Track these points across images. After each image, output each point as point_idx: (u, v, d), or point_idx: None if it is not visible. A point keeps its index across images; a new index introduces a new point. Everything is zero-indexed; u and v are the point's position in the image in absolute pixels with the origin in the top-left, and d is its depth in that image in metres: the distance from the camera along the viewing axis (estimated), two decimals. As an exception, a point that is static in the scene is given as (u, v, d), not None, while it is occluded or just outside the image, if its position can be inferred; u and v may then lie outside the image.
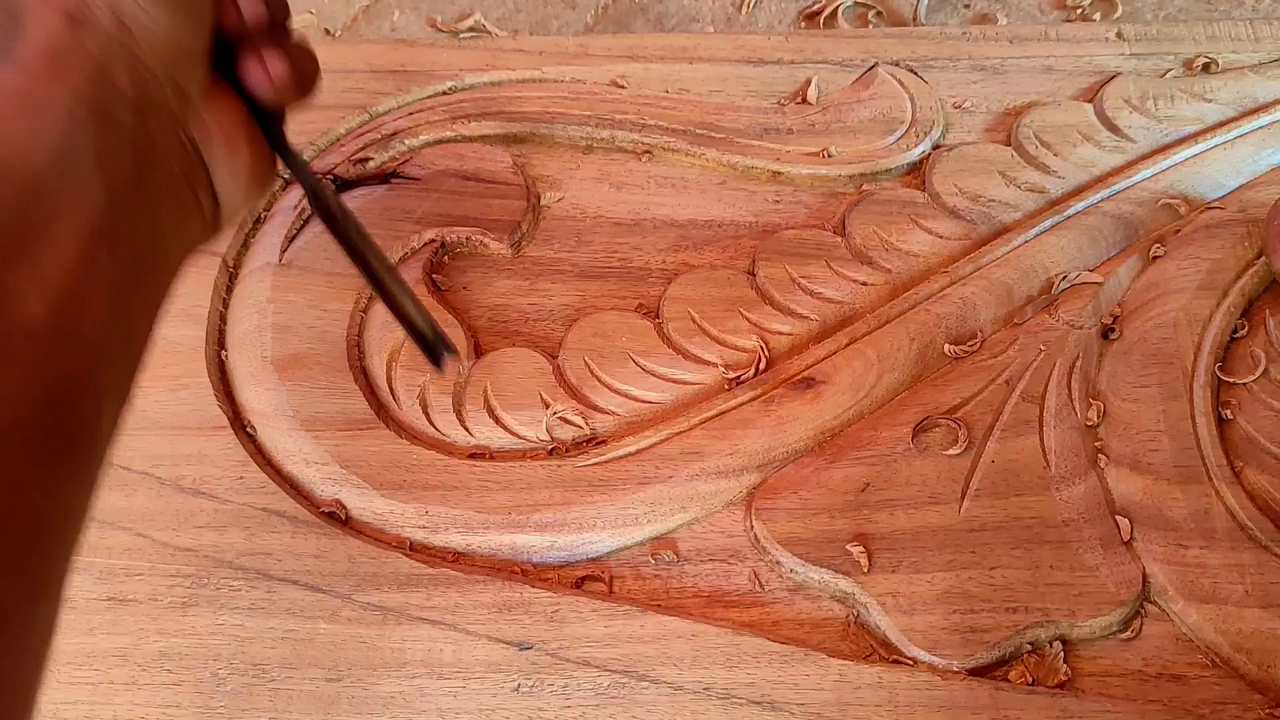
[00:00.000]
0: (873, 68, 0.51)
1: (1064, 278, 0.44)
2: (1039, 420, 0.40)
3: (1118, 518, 0.38)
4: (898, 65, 0.51)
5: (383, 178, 0.48)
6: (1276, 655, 0.35)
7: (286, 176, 0.49)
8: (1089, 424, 0.41)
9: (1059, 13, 0.57)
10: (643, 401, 0.42)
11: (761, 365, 0.43)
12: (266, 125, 0.34)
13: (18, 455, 0.22)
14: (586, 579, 0.39)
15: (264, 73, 0.32)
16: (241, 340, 0.44)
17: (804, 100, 0.51)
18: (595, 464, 0.40)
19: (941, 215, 0.47)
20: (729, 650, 0.36)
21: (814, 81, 0.51)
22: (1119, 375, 0.42)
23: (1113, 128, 0.49)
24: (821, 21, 0.57)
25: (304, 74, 0.34)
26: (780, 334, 0.44)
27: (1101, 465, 0.40)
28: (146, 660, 0.37)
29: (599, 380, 0.43)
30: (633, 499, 0.40)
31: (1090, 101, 0.50)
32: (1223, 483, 0.38)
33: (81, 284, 0.24)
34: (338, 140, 0.50)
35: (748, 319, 0.44)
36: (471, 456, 0.41)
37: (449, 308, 0.45)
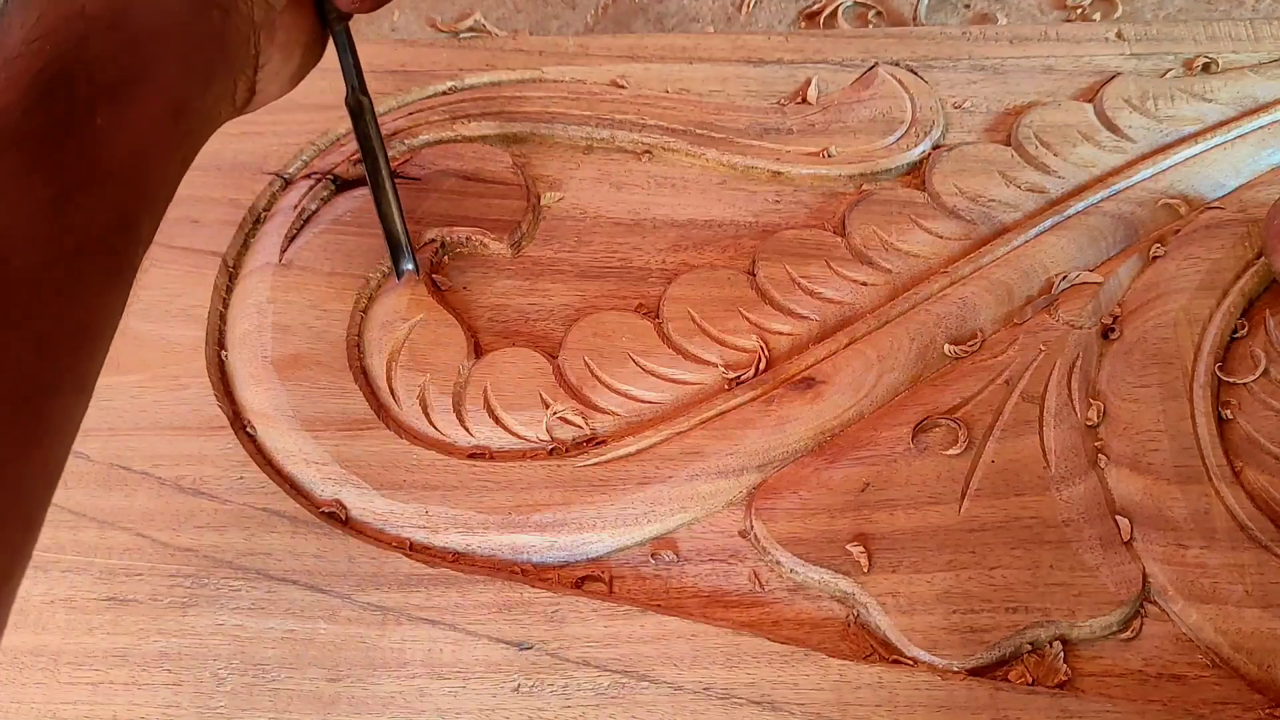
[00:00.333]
0: (873, 68, 0.51)
1: (1064, 278, 0.44)
2: (1039, 420, 0.40)
3: (1118, 518, 0.38)
4: (898, 65, 0.51)
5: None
6: (1276, 655, 0.35)
7: (287, 177, 0.49)
8: (1089, 424, 0.41)
9: (1059, 13, 0.57)
10: (643, 401, 0.42)
11: (761, 365, 0.43)
12: (335, 35, 0.39)
13: (89, 267, 0.27)
14: (586, 579, 0.39)
15: None
16: (241, 340, 0.44)
17: (804, 100, 0.51)
18: (595, 464, 0.40)
19: (941, 215, 0.47)
20: (729, 650, 0.36)
21: (814, 81, 0.51)
22: (1119, 375, 0.42)
23: (1113, 128, 0.49)
24: (821, 21, 0.57)
25: None
26: (780, 334, 0.44)
27: (1101, 465, 0.40)
28: (146, 660, 0.37)
29: (599, 380, 0.43)
30: (633, 499, 0.40)
31: (1090, 101, 0.50)
32: (1223, 483, 0.38)
33: (151, 142, 0.29)
34: (338, 140, 0.50)
35: (748, 319, 0.44)
36: (471, 456, 0.41)
37: (449, 308, 0.45)
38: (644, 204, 0.48)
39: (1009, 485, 0.39)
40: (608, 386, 0.42)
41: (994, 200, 0.47)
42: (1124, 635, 0.36)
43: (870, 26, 0.57)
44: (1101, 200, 0.46)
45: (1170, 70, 0.51)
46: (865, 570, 0.37)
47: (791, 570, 0.38)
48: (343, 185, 0.48)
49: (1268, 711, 0.34)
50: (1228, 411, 0.40)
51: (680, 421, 0.41)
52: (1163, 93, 0.50)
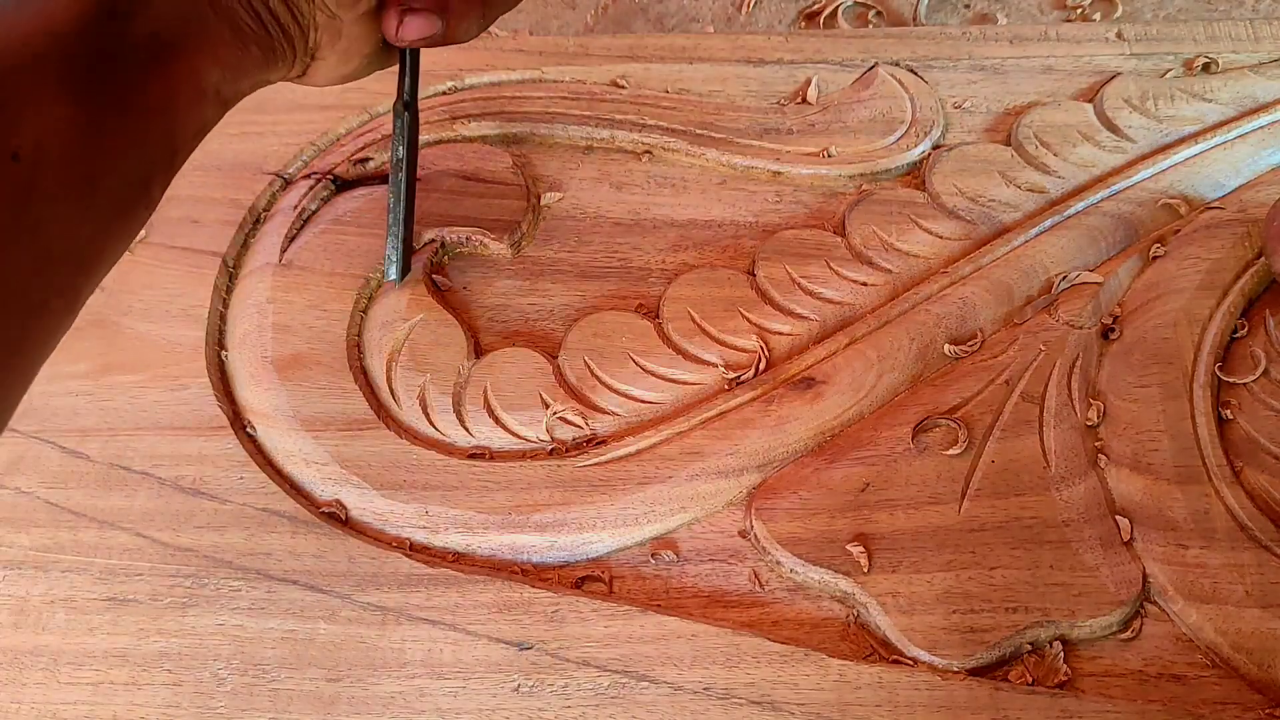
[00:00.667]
0: (873, 68, 0.51)
1: (1064, 278, 0.44)
2: (1039, 420, 0.40)
3: (1118, 518, 0.38)
4: (898, 65, 0.51)
5: (383, 178, 0.48)
6: (1276, 655, 0.35)
7: (287, 177, 0.49)
8: (1089, 424, 0.41)
9: (1059, 13, 0.57)
10: (643, 402, 0.42)
11: (761, 365, 0.43)
12: (403, 50, 0.40)
13: (107, 197, 0.28)
14: (586, 579, 0.39)
15: (392, 28, 0.37)
16: (242, 340, 0.44)
17: (804, 100, 0.51)
18: (595, 464, 0.40)
19: (941, 215, 0.47)
20: (729, 650, 0.36)
21: (814, 81, 0.51)
22: (1119, 375, 0.42)
23: (1113, 128, 0.49)
24: (821, 21, 0.57)
25: (445, 38, 0.37)
26: (780, 334, 0.44)
27: (1101, 465, 0.40)
28: (146, 660, 0.37)
29: (599, 380, 0.43)
30: (633, 499, 0.39)
31: (1090, 101, 0.50)
32: (1223, 483, 0.38)
33: (187, 97, 0.30)
34: (337, 140, 0.50)
35: (748, 319, 0.44)
36: (471, 456, 0.41)
37: (449, 308, 0.45)
38: (644, 204, 0.48)
39: (1009, 485, 0.39)
40: (608, 387, 0.42)
41: (994, 200, 0.47)
42: (1124, 635, 0.36)
43: (870, 26, 0.57)
44: (1101, 200, 0.46)
45: (1170, 70, 0.51)
46: (865, 570, 0.37)
47: (791, 570, 0.38)
48: (343, 185, 0.48)
49: (1268, 712, 0.34)
50: (1228, 411, 0.40)
51: (680, 422, 0.41)
52: (1163, 93, 0.50)
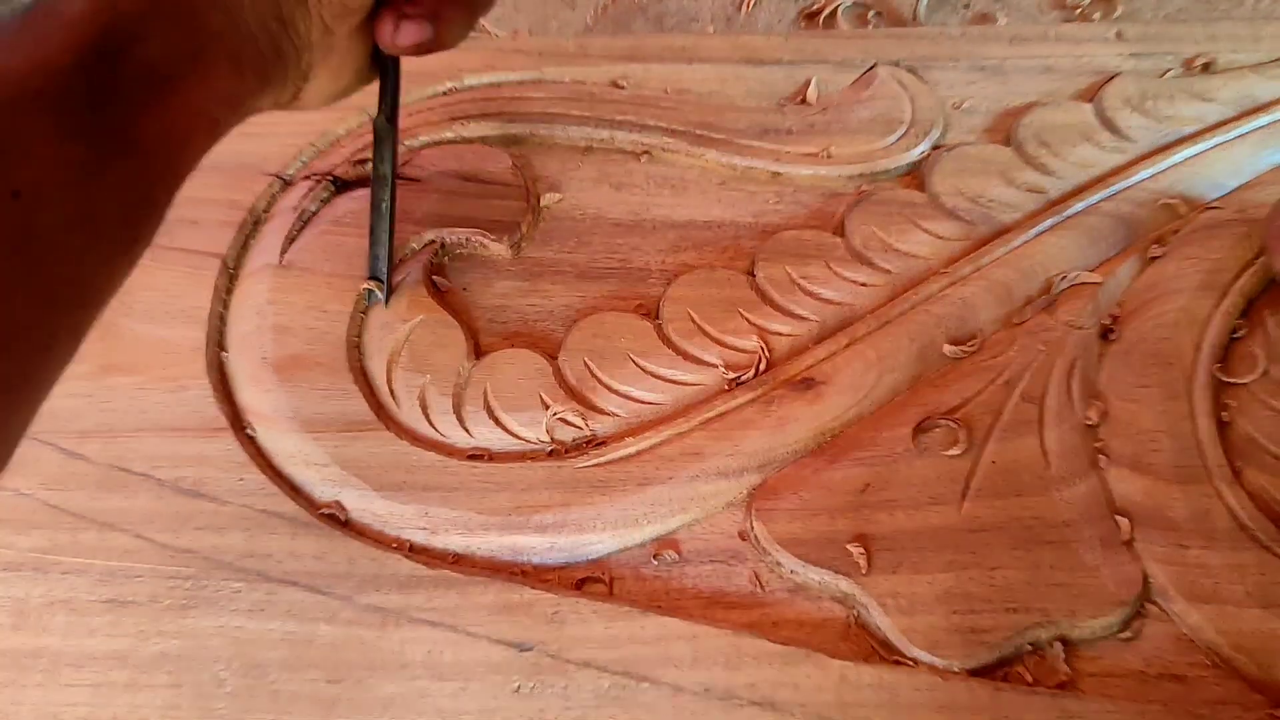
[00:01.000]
0: (872, 68, 0.51)
1: (1063, 278, 0.44)
2: (1039, 421, 0.40)
3: (1118, 518, 0.38)
4: (897, 65, 0.51)
5: (382, 179, 0.48)
6: (1277, 656, 0.35)
7: (287, 178, 0.49)
8: (1089, 424, 0.41)
9: (1059, 13, 0.57)
10: (643, 402, 0.42)
11: (761, 366, 0.43)
12: (382, 61, 0.40)
13: (107, 236, 0.28)
14: (587, 580, 0.39)
15: (388, 35, 0.37)
16: (241, 342, 0.44)
17: (804, 101, 0.51)
18: (595, 465, 0.40)
19: (941, 216, 0.47)
20: (729, 651, 0.36)
21: (813, 82, 0.51)
22: (1119, 375, 0.42)
23: (1112, 128, 0.49)
24: (821, 22, 0.57)
25: (435, 43, 0.38)
26: (780, 335, 0.44)
27: (1102, 465, 0.40)
28: (146, 662, 0.37)
29: (599, 381, 0.43)
30: (633, 500, 0.39)
31: (1090, 102, 0.50)
32: (1223, 483, 0.38)
33: (185, 129, 0.30)
34: (337, 141, 0.50)
35: (748, 320, 0.44)
36: (471, 458, 0.41)
37: (449, 309, 0.45)
38: (644, 205, 0.48)
39: (1009, 486, 0.39)
40: (608, 387, 0.42)
41: (993, 201, 0.47)
42: (1124, 635, 0.36)
43: (870, 27, 0.57)
44: (1101, 200, 0.46)
45: (1170, 70, 0.51)
46: (865, 571, 0.37)
47: (792, 571, 0.38)
48: (342, 186, 0.48)
49: (1268, 712, 0.34)
50: (1227, 412, 0.40)
51: (680, 422, 0.41)
52: (1162, 93, 0.50)
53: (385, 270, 0.44)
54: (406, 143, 0.49)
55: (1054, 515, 0.38)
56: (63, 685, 0.37)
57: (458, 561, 0.39)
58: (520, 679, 0.36)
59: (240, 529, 0.40)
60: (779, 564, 0.39)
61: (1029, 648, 0.36)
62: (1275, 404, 0.40)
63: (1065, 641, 0.36)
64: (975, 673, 0.36)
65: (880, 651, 0.37)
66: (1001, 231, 0.46)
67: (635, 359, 0.43)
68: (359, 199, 0.47)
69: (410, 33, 0.37)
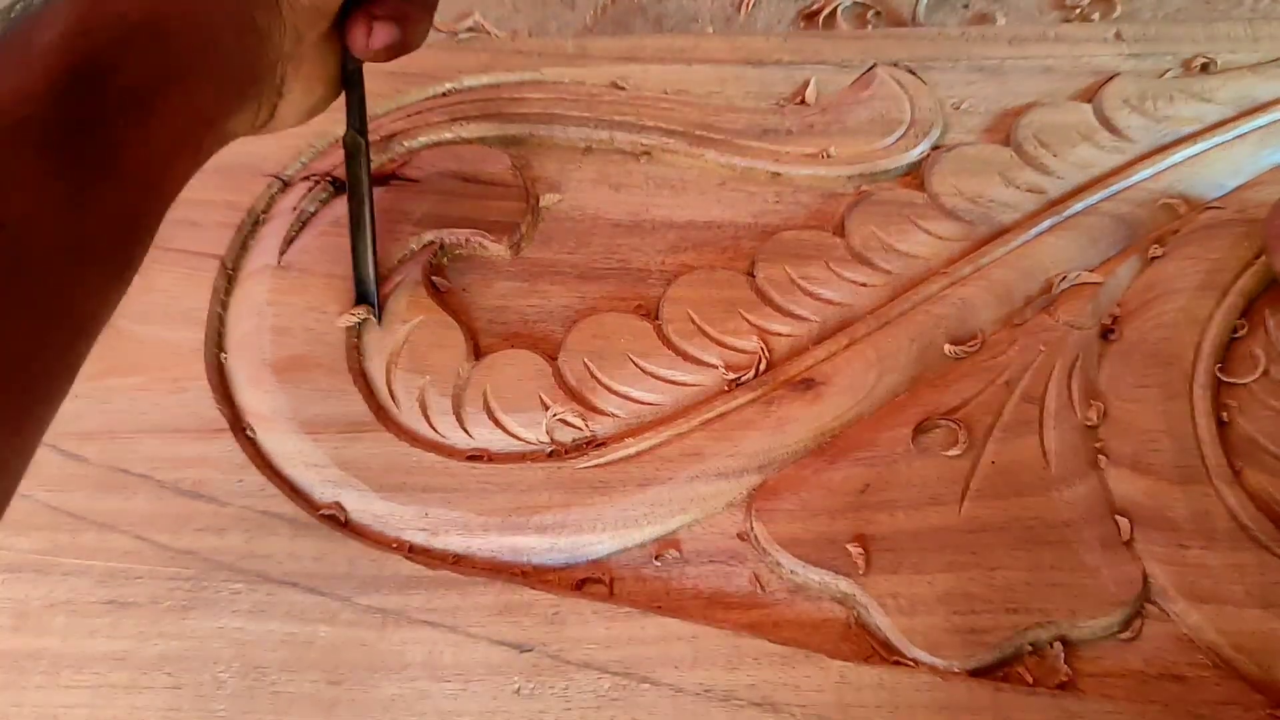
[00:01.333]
0: (871, 68, 0.51)
1: (1063, 278, 0.44)
2: (1039, 421, 0.40)
3: (1118, 518, 0.38)
4: (896, 66, 0.51)
5: (381, 180, 0.48)
6: (1277, 656, 0.35)
7: (285, 178, 0.49)
8: (1089, 424, 0.41)
9: (1058, 13, 0.57)
10: (643, 403, 0.42)
11: (761, 366, 0.43)
12: (348, 73, 0.40)
13: (96, 263, 0.28)
14: (587, 581, 0.39)
15: (363, 38, 0.37)
16: (241, 343, 0.44)
17: (803, 101, 0.51)
18: (595, 466, 0.40)
19: (940, 216, 0.47)
20: (729, 652, 0.36)
21: (813, 82, 0.51)
22: (1119, 376, 0.42)
23: (1112, 128, 0.49)
24: (820, 22, 0.57)
25: (403, 45, 0.38)
26: (780, 335, 0.44)
27: (1102, 466, 0.40)
28: (146, 663, 0.37)
29: (599, 382, 0.43)
30: (633, 501, 0.39)
31: (1089, 102, 0.50)
32: (1223, 483, 0.38)
33: (169, 151, 0.30)
34: (336, 141, 0.50)
35: (747, 320, 0.44)
36: (471, 458, 0.41)
37: (448, 309, 0.45)
38: (643, 205, 0.48)
39: (1009, 486, 0.39)
40: (607, 388, 0.42)
41: (993, 201, 0.47)
42: (1125, 636, 0.36)
43: (869, 27, 0.57)
44: (1101, 201, 0.46)
45: (1169, 70, 0.51)
46: (865, 571, 0.37)
47: (792, 571, 0.38)
48: (341, 187, 0.48)
49: (1269, 712, 0.34)
50: (1227, 412, 0.40)
51: (680, 423, 0.41)
52: (1162, 93, 0.50)
53: (374, 290, 0.44)
54: (406, 144, 0.49)
55: (1054, 515, 0.38)
56: (63, 687, 0.37)
57: (458, 562, 0.39)
58: (520, 680, 0.36)
59: (240, 530, 0.40)
60: (779, 564, 0.39)
61: (1029, 648, 0.36)
62: (1275, 404, 0.40)
63: (1065, 642, 0.36)
64: (975, 673, 0.36)
65: (880, 652, 0.37)
66: (1001, 231, 0.46)
67: (635, 360, 0.43)
68: (358, 200, 0.47)
69: (382, 35, 0.37)
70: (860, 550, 0.38)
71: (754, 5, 0.58)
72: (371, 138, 0.49)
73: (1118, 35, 0.52)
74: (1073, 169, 0.48)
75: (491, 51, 0.53)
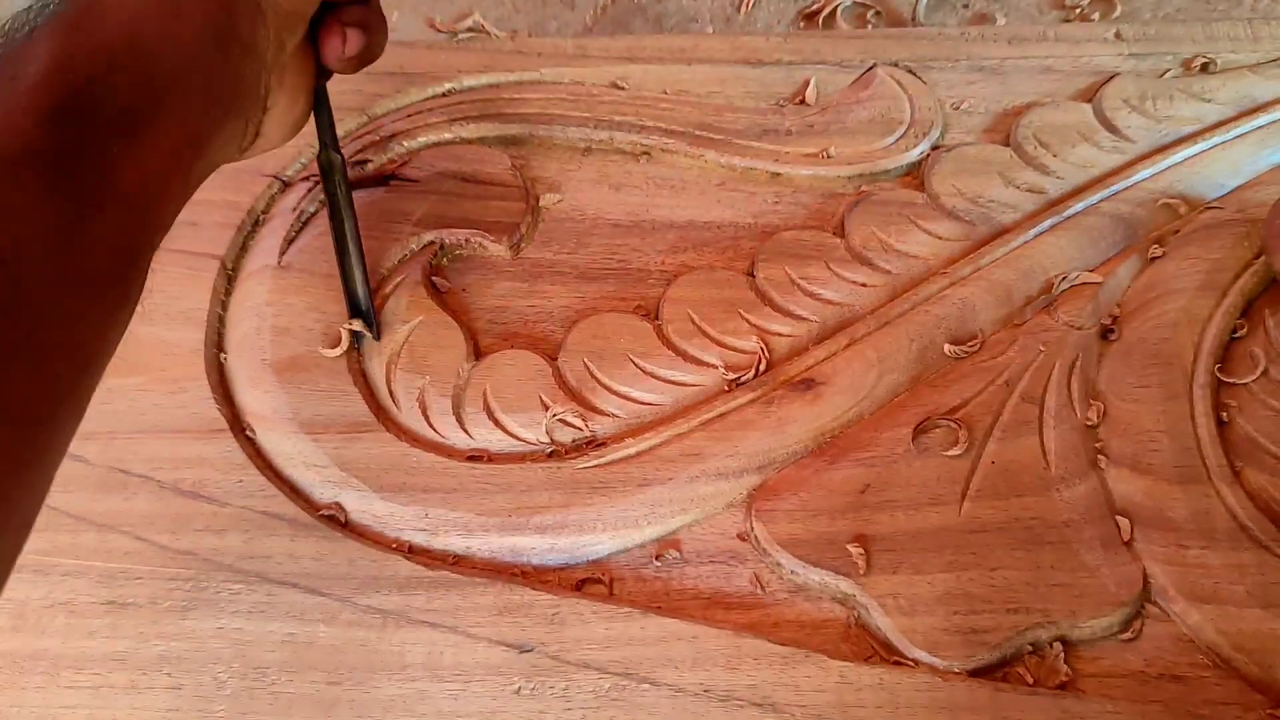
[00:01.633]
0: (871, 68, 0.51)
1: (1063, 278, 0.44)
2: (1039, 421, 0.40)
3: (1118, 518, 0.38)
4: (896, 66, 0.51)
5: (381, 180, 0.48)
6: (1277, 656, 0.35)
7: (285, 179, 0.49)
8: (1089, 424, 0.41)
9: (1057, 13, 0.57)
10: (643, 403, 0.42)
11: (761, 367, 0.43)
12: (316, 91, 0.40)
13: (95, 294, 0.27)
14: (587, 581, 0.39)
15: (339, 45, 0.37)
16: (240, 343, 0.44)
17: (803, 101, 0.51)
18: (595, 466, 0.40)
19: (940, 216, 0.47)
20: (730, 652, 0.36)
21: (813, 82, 0.51)
22: (1119, 376, 0.42)
23: (1112, 128, 0.49)
24: (820, 22, 0.57)
25: (369, 54, 0.38)
26: (780, 335, 0.44)
27: (1102, 466, 0.40)
28: (146, 664, 0.37)
29: (599, 382, 0.43)
30: (633, 501, 0.39)
31: (1089, 102, 0.50)
32: (1223, 483, 0.38)
33: (162, 174, 0.30)
34: (336, 142, 0.50)
35: (747, 320, 0.44)
36: (471, 459, 0.41)
37: (448, 310, 0.45)
38: (643, 205, 0.48)
39: (1009, 486, 0.39)
40: (607, 388, 0.42)
41: (993, 201, 0.47)
42: (1125, 636, 0.36)
43: (869, 27, 0.57)
44: (1101, 201, 0.46)
45: (1169, 70, 0.51)
46: (865, 571, 0.37)
47: (792, 572, 0.38)
48: (341, 187, 0.48)
49: (1269, 712, 0.34)
50: (1227, 412, 0.40)
51: (680, 423, 0.41)
52: (1161, 93, 0.50)
53: (367, 303, 0.43)
54: (405, 144, 0.49)
55: (1054, 515, 0.38)
56: (62, 687, 0.37)
57: (458, 563, 0.39)
58: (520, 680, 0.36)
59: (240, 530, 0.40)
60: (779, 565, 0.39)
61: (1029, 648, 0.36)
62: (1275, 404, 0.40)
63: (1065, 642, 0.36)
64: (975, 673, 0.36)
65: (880, 652, 0.37)
66: (1001, 232, 0.46)
67: (635, 360, 0.43)
68: (358, 200, 0.47)
69: (355, 41, 0.37)
70: (860, 550, 0.38)
71: (754, 5, 0.58)
72: (372, 138, 0.49)
73: (1118, 35, 0.52)
74: (1073, 169, 0.48)
75: (491, 52, 0.53)
